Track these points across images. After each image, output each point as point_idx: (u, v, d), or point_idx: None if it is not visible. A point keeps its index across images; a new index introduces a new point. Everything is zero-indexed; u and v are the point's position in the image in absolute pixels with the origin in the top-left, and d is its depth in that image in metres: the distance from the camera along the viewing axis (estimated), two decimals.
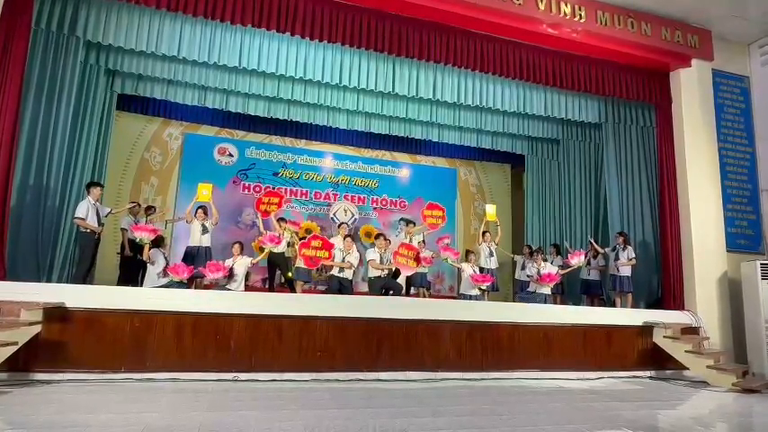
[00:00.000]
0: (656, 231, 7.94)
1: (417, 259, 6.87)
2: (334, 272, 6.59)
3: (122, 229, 7.09)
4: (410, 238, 7.45)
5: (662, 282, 7.70)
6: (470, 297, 7.08)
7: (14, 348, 4.22)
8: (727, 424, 4.42)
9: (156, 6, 5.93)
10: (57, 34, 6.15)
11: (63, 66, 6.24)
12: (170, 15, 6.41)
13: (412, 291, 7.60)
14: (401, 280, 7.02)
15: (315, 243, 6.50)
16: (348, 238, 6.87)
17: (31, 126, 5.92)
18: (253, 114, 8.49)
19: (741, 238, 7.72)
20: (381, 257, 6.75)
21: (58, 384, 4.41)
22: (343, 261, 6.67)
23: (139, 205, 7.34)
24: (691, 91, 7.78)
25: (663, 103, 7.97)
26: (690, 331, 6.79)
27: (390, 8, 6.64)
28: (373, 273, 6.68)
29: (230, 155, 9.52)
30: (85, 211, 5.95)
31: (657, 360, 6.59)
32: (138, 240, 6.13)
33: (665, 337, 6.53)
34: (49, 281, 6.05)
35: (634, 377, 6.38)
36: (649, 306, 7.57)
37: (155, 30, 6.46)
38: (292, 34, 6.41)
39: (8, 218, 5.36)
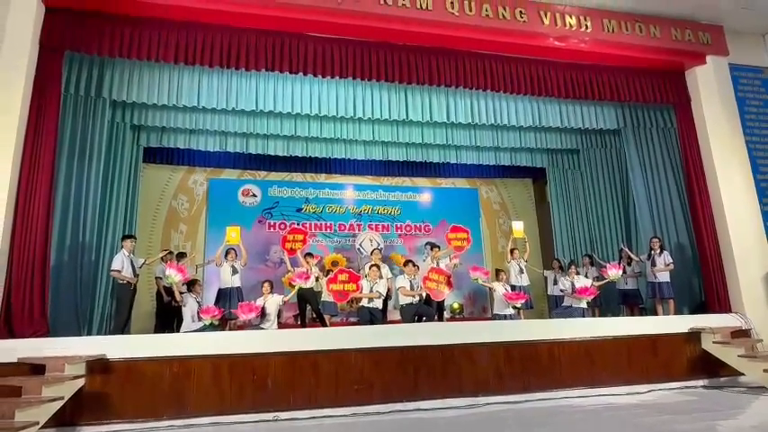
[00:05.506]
0: (691, 233, 7.69)
1: (449, 283, 6.79)
2: (364, 303, 6.57)
3: (157, 278, 7.28)
4: (437, 263, 7.39)
5: (703, 284, 7.41)
6: (505, 317, 6.94)
7: (61, 403, 4.32)
8: None
9: (174, 62, 6.25)
10: (85, 97, 6.45)
11: (92, 126, 6.52)
12: (188, 69, 6.72)
13: (445, 315, 7.49)
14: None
15: (342, 277, 6.49)
16: (374, 267, 6.86)
17: (65, 187, 6.19)
18: (273, 154, 8.69)
19: None
20: (411, 284, 6.71)
21: None
22: (371, 291, 6.64)
23: (171, 252, 7.53)
24: (709, 88, 7.66)
25: (682, 103, 7.86)
26: (740, 334, 6.49)
27: (398, 39, 6.81)
28: (404, 300, 6.63)
29: (254, 195, 9.73)
30: (120, 263, 6.17)
31: (709, 367, 6.28)
32: (165, 277, 6.26)
33: (714, 342, 6.24)
34: (89, 334, 6.22)
35: (686, 387, 6.08)
36: (693, 311, 7.28)
37: (174, 84, 6.77)
38: (305, 74, 6.63)
39: (49, 278, 5.57)
